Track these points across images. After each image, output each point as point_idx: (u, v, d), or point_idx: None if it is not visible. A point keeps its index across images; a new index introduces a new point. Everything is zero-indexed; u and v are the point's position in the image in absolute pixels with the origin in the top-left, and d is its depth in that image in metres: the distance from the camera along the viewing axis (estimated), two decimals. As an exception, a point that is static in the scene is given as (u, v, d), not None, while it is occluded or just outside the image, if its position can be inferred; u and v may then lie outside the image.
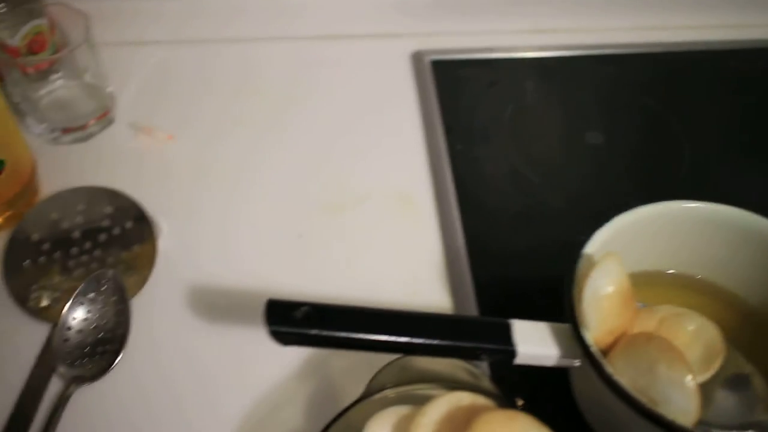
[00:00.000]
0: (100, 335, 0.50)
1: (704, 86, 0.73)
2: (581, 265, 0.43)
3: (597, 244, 0.44)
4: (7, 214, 0.56)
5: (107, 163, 0.62)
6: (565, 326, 0.42)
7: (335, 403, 0.49)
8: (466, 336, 0.41)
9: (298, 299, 0.40)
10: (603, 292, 0.41)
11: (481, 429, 0.37)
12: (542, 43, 0.75)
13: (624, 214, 0.45)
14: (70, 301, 0.50)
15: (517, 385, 0.42)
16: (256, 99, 0.68)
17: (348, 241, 0.58)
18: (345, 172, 0.63)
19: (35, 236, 0.55)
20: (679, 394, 0.38)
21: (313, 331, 0.39)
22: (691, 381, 0.38)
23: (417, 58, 0.72)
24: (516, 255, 0.58)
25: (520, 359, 0.42)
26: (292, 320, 0.39)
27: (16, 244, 0.55)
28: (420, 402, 0.40)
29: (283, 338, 0.39)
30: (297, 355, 0.51)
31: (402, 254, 0.57)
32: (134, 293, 0.53)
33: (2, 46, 0.59)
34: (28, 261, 0.54)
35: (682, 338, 0.42)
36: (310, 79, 0.70)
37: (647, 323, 0.43)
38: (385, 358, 0.45)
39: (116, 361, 0.49)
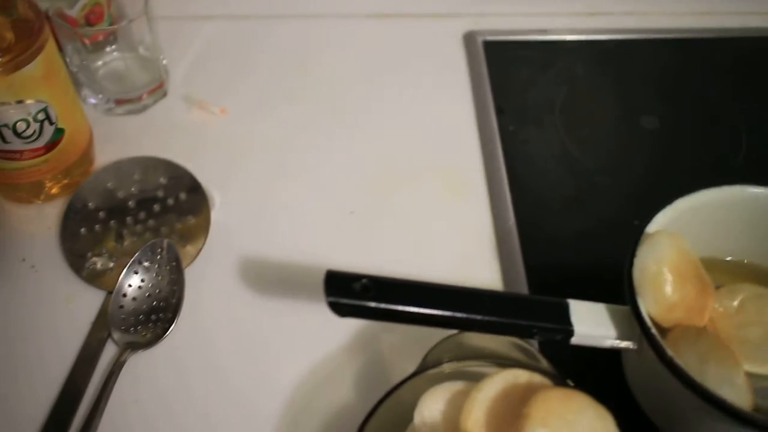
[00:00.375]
0: (154, 303, 0.51)
1: (764, 73, 0.71)
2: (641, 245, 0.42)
3: (657, 225, 0.43)
4: (65, 182, 0.57)
5: (161, 135, 0.62)
6: (624, 308, 0.42)
7: (385, 378, 0.49)
8: (523, 313, 0.41)
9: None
10: (653, 268, 0.41)
11: (538, 407, 0.37)
12: (598, 26, 0.74)
13: (686, 196, 0.44)
14: (126, 269, 0.51)
15: (567, 365, 0.42)
16: (309, 76, 0.68)
17: (399, 218, 0.58)
18: (396, 151, 0.62)
19: (91, 204, 0.56)
20: (730, 390, 0.38)
21: (371, 304, 0.39)
22: (741, 379, 0.38)
23: (469, 38, 0.72)
24: (567, 237, 0.57)
25: (577, 339, 0.41)
26: (350, 292, 0.39)
27: (72, 211, 0.56)
28: (475, 379, 0.40)
29: (341, 309, 0.39)
30: (347, 329, 0.51)
31: (453, 233, 0.57)
32: (187, 263, 0.53)
33: (61, 16, 0.59)
34: (84, 229, 0.55)
35: (765, 319, 0.41)
36: (362, 58, 0.70)
37: (727, 303, 0.42)
38: (438, 334, 0.45)
39: (170, 329, 0.50)
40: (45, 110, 0.51)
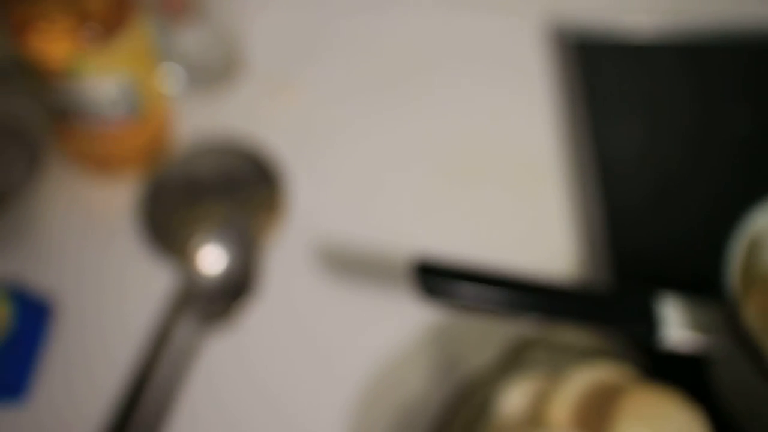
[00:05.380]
0: (231, 281, 0.51)
1: None
2: (739, 244, 0.41)
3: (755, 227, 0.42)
4: (143, 159, 0.57)
5: (236, 115, 0.62)
6: (718, 308, 0.40)
7: (459, 369, 0.48)
8: (609, 311, 0.40)
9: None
10: None
11: (628, 404, 0.36)
12: (693, 26, 0.71)
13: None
14: (204, 246, 0.51)
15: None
16: (391, 62, 0.67)
17: (479, 206, 0.57)
18: (477, 139, 0.62)
19: (168, 184, 0.56)
20: None
21: (458, 293, 0.39)
22: None
23: (558, 32, 0.70)
24: (653, 235, 0.56)
25: (664, 340, 0.40)
26: (438, 280, 0.39)
27: (149, 190, 0.56)
28: (559, 371, 0.39)
29: (428, 297, 0.39)
30: (425, 318, 0.51)
31: (534, 224, 0.56)
32: (266, 243, 0.53)
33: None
34: (160, 207, 0.55)
35: None
36: (445, 42, 0.69)
37: None
38: (520, 326, 0.45)
39: (246, 307, 0.50)
40: (129, 85, 0.51)
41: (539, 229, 0.56)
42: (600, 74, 0.67)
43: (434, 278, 0.39)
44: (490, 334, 0.48)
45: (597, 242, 0.55)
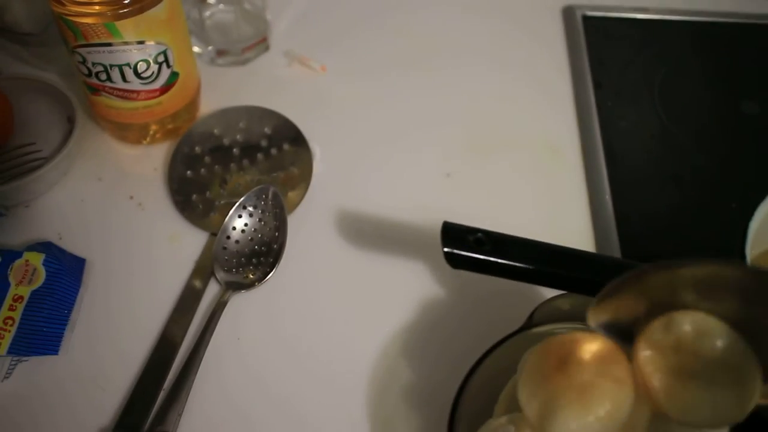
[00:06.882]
0: (257, 247, 0.52)
1: None
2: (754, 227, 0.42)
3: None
4: (171, 126, 0.58)
5: (261, 88, 0.64)
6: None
7: (482, 335, 0.49)
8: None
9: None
10: None
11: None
12: (699, 6, 0.73)
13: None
14: (232, 211, 0.53)
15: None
16: (409, 38, 0.69)
17: (494, 184, 0.58)
18: (493, 118, 0.63)
19: (198, 149, 0.57)
20: None
21: (485, 257, 0.40)
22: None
23: (569, 11, 0.72)
24: (663, 214, 0.57)
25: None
26: (466, 244, 0.40)
27: (179, 155, 0.57)
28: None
29: (455, 261, 0.40)
30: (440, 288, 0.52)
31: (547, 203, 0.57)
32: (289, 211, 0.55)
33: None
34: (190, 171, 0.56)
35: None
36: (462, 25, 0.70)
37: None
38: (540, 296, 0.46)
39: (271, 272, 0.51)
40: (164, 53, 0.52)
41: (554, 205, 0.57)
42: (610, 55, 0.68)
43: (462, 243, 0.40)
44: (515, 297, 0.49)
45: (605, 220, 0.56)
